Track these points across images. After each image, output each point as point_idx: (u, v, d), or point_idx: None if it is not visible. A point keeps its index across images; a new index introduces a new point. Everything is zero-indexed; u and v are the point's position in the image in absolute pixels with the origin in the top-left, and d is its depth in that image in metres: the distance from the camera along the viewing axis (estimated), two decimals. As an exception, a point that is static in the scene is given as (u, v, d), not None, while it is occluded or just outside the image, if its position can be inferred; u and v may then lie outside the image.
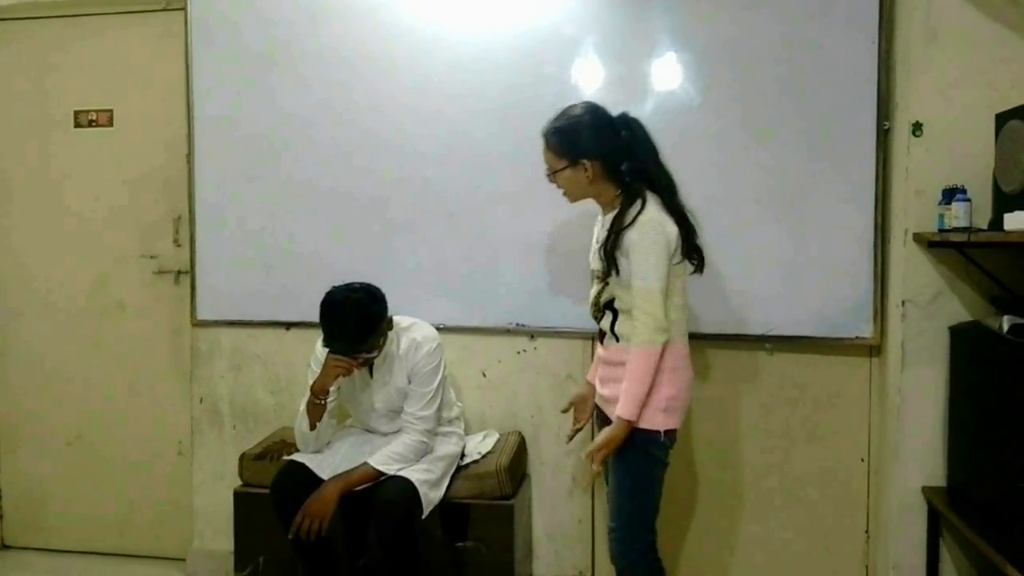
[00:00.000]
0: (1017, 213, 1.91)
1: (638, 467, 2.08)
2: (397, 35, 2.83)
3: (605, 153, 2.08)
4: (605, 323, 2.15)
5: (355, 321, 2.31)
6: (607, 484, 2.22)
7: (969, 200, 2.17)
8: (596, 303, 2.16)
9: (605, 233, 2.09)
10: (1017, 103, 2.06)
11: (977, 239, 2.10)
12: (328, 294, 2.36)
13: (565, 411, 2.43)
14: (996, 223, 2.09)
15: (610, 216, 2.10)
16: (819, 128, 2.55)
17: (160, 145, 3.17)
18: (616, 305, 2.10)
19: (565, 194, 2.18)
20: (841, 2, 2.50)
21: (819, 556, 2.72)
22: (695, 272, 2.15)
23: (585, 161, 2.08)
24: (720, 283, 2.62)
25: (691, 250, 2.10)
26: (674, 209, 2.07)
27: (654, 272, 1.98)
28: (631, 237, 2.01)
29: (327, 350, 2.38)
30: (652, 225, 2.00)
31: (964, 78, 2.30)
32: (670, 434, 2.07)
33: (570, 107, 2.16)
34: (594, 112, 2.13)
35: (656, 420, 2.03)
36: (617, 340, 2.12)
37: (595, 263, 2.16)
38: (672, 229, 2.03)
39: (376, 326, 2.36)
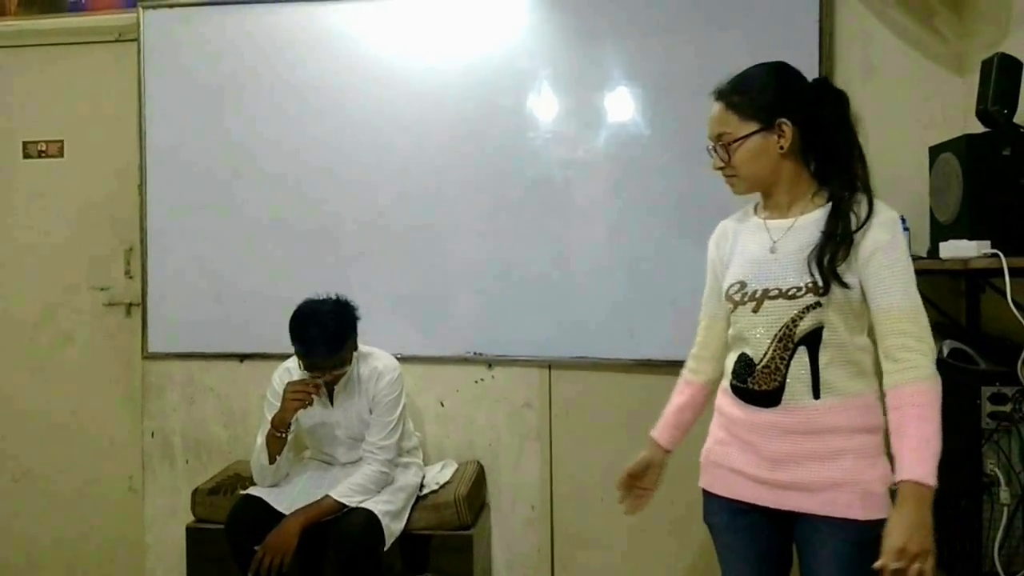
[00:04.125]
0: (951, 242, 1.99)
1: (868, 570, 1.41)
2: (349, 67, 2.85)
3: (806, 117, 1.56)
4: (797, 367, 1.52)
5: (333, 326, 2.31)
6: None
7: (907, 230, 2.25)
8: (786, 335, 1.53)
9: (810, 236, 1.53)
10: (949, 136, 2.15)
11: (916, 267, 2.18)
12: (301, 305, 2.38)
13: (622, 489, 1.82)
14: (933, 251, 2.17)
15: (812, 215, 1.56)
16: (765, 160, 2.62)
17: (111, 176, 3.14)
18: (826, 337, 1.50)
19: (737, 177, 1.61)
20: (783, 39, 2.58)
21: None
22: None
23: (786, 123, 1.55)
24: (677, 311, 2.64)
25: None
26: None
27: (915, 285, 1.49)
28: (880, 239, 1.48)
29: (285, 382, 2.37)
30: (900, 225, 1.53)
31: (900, 112, 2.40)
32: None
33: (750, 67, 1.64)
34: (786, 66, 1.63)
35: (885, 504, 1.48)
36: (817, 394, 1.51)
37: (773, 280, 1.55)
38: None
39: (351, 333, 2.37)
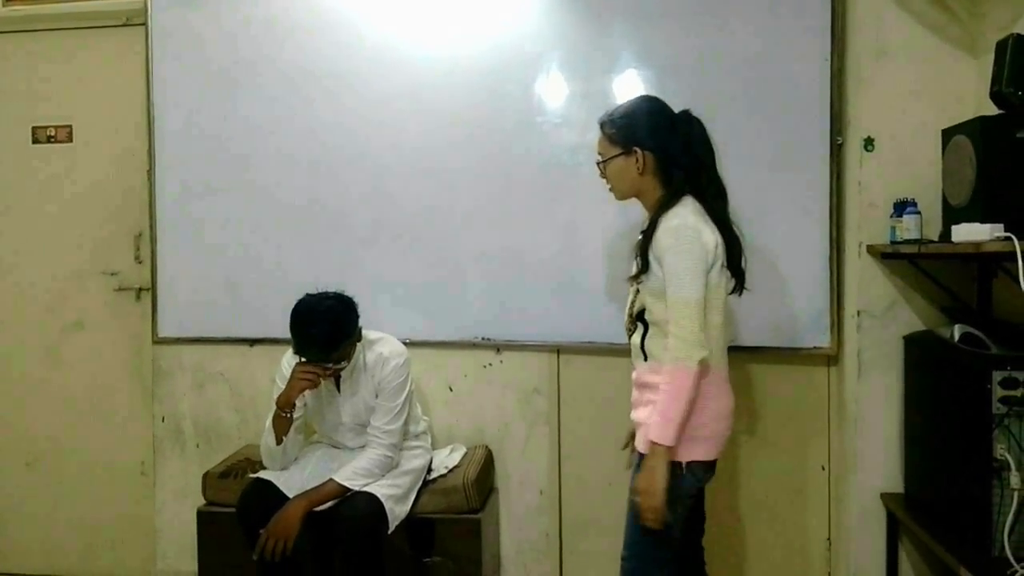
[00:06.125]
0: (964, 225, 1.96)
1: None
2: (361, 51, 2.84)
3: (659, 146, 1.94)
4: (636, 337, 1.97)
5: (328, 328, 2.29)
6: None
7: (919, 213, 2.23)
8: (629, 314, 2.00)
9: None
10: (962, 118, 2.12)
11: (928, 251, 2.16)
12: (299, 302, 2.34)
13: (625, 447, 2.20)
14: (945, 235, 2.15)
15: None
16: (774, 144, 2.60)
17: (120, 161, 3.14)
18: (646, 317, 1.93)
19: (612, 188, 2.03)
20: (795, 21, 2.56)
21: (782, 564, 2.75)
22: (732, 293, 2.00)
23: (638, 150, 1.94)
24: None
25: (732, 271, 1.96)
26: (720, 220, 1.93)
27: (689, 281, 1.81)
28: (663, 242, 1.84)
29: (293, 365, 2.37)
30: (685, 231, 1.83)
31: (912, 94, 2.37)
32: (694, 467, 1.88)
33: (631, 99, 2.06)
34: (654, 103, 2.02)
35: (675, 449, 1.83)
36: (646, 358, 1.94)
37: (633, 268, 2.00)
38: (710, 238, 1.87)
39: (348, 334, 2.35)
